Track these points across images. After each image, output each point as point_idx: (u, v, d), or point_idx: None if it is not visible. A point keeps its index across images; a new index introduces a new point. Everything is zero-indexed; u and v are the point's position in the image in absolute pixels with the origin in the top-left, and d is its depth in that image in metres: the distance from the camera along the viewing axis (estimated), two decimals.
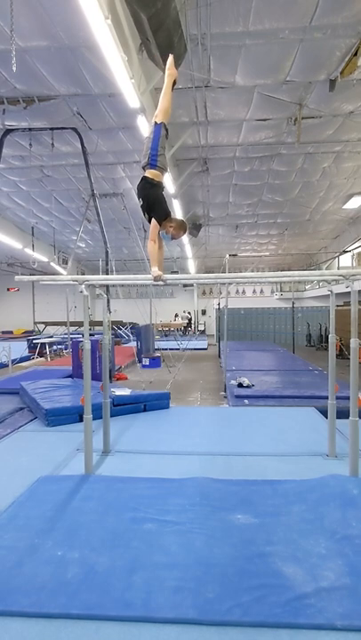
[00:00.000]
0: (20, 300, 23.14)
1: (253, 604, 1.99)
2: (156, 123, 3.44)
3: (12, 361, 10.00)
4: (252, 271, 19.70)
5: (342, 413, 3.80)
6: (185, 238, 14.42)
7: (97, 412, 4.11)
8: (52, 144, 8.19)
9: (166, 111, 3.49)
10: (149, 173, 3.40)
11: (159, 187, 3.48)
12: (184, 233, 3.55)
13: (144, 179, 3.42)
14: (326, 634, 1.84)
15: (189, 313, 25.54)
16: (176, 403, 6.60)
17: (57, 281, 4.14)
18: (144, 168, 3.45)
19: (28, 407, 6.07)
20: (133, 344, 14.14)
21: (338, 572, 2.21)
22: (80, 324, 16.24)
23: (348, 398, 3.46)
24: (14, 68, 4.60)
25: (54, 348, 14.05)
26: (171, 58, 3.67)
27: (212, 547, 2.46)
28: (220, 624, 1.90)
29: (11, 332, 21.85)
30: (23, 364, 11.57)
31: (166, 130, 3.46)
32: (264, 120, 7.76)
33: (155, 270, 3.35)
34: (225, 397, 7.25)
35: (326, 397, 4.15)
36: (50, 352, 13.37)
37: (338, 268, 14.77)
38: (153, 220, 3.34)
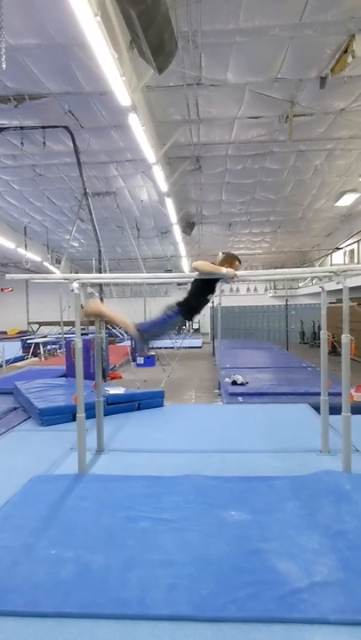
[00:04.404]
0: (14, 300, 23.05)
1: (248, 600, 1.99)
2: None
3: (6, 361, 9.97)
4: (246, 269, 19.75)
5: (335, 409, 3.82)
6: (178, 237, 14.42)
7: (91, 412, 4.11)
8: (44, 143, 8.14)
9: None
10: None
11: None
12: (238, 261, 3.59)
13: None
14: (319, 628, 1.85)
15: None
16: (170, 401, 6.61)
17: (49, 279, 4.12)
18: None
19: (21, 407, 6.05)
20: (128, 343, 14.13)
21: (331, 567, 2.22)
22: (74, 324, 16.19)
23: (340, 394, 3.48)
24: (4, 66, 4.56)
25: (48, 347, 14.02)
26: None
27: (207, 544, 2.47)
28: (214, 620, 1.91)
29: (5, 333, 21.77)
30: (17, 364, 11.54)
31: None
32: (256, 118, 7.77)
33: (228, 270, 3.35)
34: (219, 395, 7.27)
35: (319, 394, 4.17)
36: (44, 352, 13.34)
37: (330, 266, 14.83)
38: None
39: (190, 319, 3.61)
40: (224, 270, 3.34)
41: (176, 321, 3.51)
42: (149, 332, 3.51)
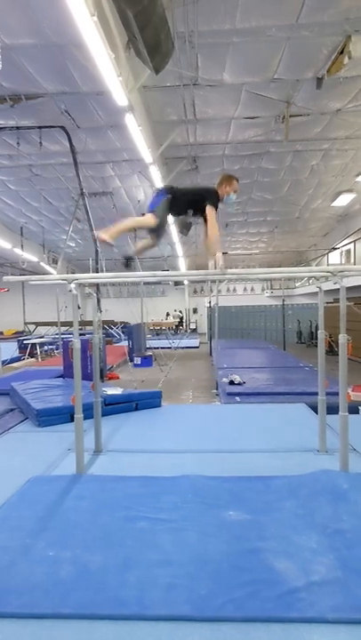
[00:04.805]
0: (10, 300, 22.91)
1: (246, 600, 2.00)
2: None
3: (3, 362, 9.93)
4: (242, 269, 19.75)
5: (332, 409, 3.83)
6: (175, 237, 14.42)
7: (89, 412, 4.10)
8: (41, 143, 8.12)
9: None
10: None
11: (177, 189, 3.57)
12: (237, 180, 3.57)
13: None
14: (317, 626, 1.86)
15: (181, 312, 25.55)
16: (168, 401, 6.60)
17: (46, 280, 4.12)
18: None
19: (18, 408, 6.03)
20: (125, 343, 14.12)
21: (329, 566, 2.23)
22: (71, 324, 16.19)
23: (337, 394, 3.49)
24: (0, 66, 4.56)
25: (45, 348, 13.99)
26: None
27: (206, 543, 2.47)
28: (213, 620, 1.91)
29: (1, 333, 21.71)
30: (14, 364, 11.49)
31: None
32: (252, 118, 7.78)
33: (220, 255, 3.32)
34: (217, 395, 7.28)
35: (317, 393, 4.18)
36: (40, 352, 13.31)
37: (327, 265, 14.86)
38: (208, 206, 3.33)
39: (173, 211, 3.60)
40: (220, 263, 3.33)
41: (163, 201, 3.45)
42: (159, 209, 3.43)
